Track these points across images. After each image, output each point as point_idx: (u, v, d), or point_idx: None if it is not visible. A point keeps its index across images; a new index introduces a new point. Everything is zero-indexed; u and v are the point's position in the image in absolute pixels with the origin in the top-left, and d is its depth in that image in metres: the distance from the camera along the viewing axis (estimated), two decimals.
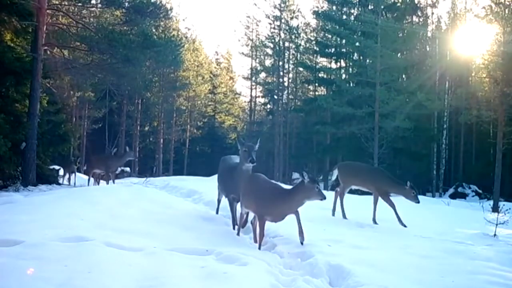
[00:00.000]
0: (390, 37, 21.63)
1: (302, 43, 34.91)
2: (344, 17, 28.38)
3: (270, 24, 34.82)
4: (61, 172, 14.24)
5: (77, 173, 14.21)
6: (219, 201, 6.45)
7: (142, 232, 4.61)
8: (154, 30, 17.73)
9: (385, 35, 21.39)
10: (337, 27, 26.03)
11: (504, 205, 8.79)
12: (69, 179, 13.87)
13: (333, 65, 31.05)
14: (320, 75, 31.27)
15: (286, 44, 34.88)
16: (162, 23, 24.35)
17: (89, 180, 12.41)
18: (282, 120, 33.43)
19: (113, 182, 11.98)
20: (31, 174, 10.64)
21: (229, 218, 5.88)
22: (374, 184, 6.85)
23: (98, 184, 12.54)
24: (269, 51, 35.89)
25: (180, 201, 7.82)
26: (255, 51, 36.70)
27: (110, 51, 11.78)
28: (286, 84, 35.40)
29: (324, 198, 4.45)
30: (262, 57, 37.02)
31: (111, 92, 26.52)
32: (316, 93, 33.50)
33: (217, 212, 6.46)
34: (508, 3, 19.00)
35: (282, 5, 34.24)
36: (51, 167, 13.61)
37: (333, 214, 7.06)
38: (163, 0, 16.58)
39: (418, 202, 6.64)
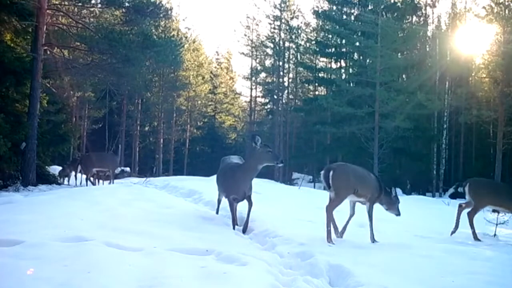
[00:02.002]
0: (390, 37, 21.63)
1: (302, 43, 34.92)
2: (344, 17, 28.40)
3: (270, 24, 34.86)
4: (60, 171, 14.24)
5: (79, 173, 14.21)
6: (219, 201, 6.42)
7: (142, 232, 4.60)
8: (154, 30, 17.71)
9: (385, 35, 21.40)
10: (337, 27, 26.04)
11: None
12: (75, 176, 13.85)
13: (333, 65, 31.06)
14: (320, 75, 31.27)
15: (286, 44, 34.88)
16: (162, 23, 24.33)
17: (88, 180, 12.32)
18: (282, 120, 33.42)
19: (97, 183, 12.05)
20: (31, 174, 10.65)
21: (229, 218, 5.87)
22: None
23: (94, 184, 12.52)
24: (269, 51, 35.89)
25: (180, 201, 7.82)
26: (255, 51, 36.71)
27: (110, 51, 11.79)
28: (286, 84, 35.41)
29: (400, 215, 5.51)
30: (262, 57, 37.02)
31: (111, 92, 26.52)
32: (316, 93, 33.50)
33: (217, 212, 6.45)
34: (508, 3, 19.00)
35: (282, 5, 34.24)
36: (60, 172, 13.67)
37: (454, 232, 6.32)
38: (163, 0, 16.59)
39: None
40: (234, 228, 5.56)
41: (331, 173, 5.04)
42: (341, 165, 5.41)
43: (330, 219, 5.04)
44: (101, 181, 13.09)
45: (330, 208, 5.06)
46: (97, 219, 4.95)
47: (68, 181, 13.94)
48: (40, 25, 10.78)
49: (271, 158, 5.31)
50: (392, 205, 5.43)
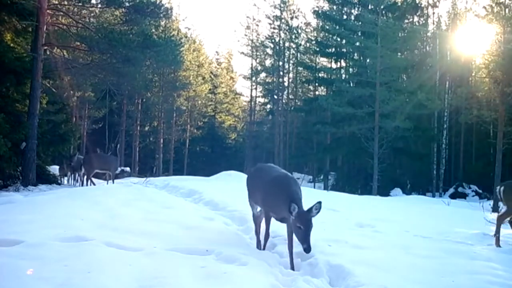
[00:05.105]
0: (390, 37, 21.65)
1: (302, 43, 34.97)
2: (344, 17, 28.41)
3: (270, 24, 34.93)
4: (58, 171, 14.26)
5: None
6: (266, 222, 4.34)
7: (142, 232, 4.60)
8: (154, 30, 17.74)
9: (385, 35, 21.41)
10: (337, 27, 26.06)
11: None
12: (83, 178, 13.84)
13: (333, 65, 31.08)
14: (320, 75, 31.30)
15: (286, 44, 34.93)
16: (162, 23, 24.36)
17: (88, 181, 12.26)
18: (282, 120, 33.44)
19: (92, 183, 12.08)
20: (31, 174, 10.64)
21: (229, 218, 5.87)
22: None
23: (94, 184, 12.50)
24: (269, 51, 35.93)
25: (180, 201, 7.81)
26: (255, 51, 36.74)
27: (110, 51, 11.79)
28: (286, 84, 35.44)
29: None
30: (262, 57, 37.06)
31: (111, 92, 26.50)
32: (316, 93, 33.52)
33: (258, 246, 4.60)
34: (508, 3, 19.01)
35: (282, 5, 34.27)
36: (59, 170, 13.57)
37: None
38: (163, 0, 16.59)
39: None
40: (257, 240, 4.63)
41: (501, 189, 5.77)
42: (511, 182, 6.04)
43: (499, 227, 5.58)
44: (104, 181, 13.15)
45: (500, 218, 5.70)
46: (97, 219, 4.95)
47: (68, 181, 13.93)
48: (40, 25, 10.77)
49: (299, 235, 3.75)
50: None
